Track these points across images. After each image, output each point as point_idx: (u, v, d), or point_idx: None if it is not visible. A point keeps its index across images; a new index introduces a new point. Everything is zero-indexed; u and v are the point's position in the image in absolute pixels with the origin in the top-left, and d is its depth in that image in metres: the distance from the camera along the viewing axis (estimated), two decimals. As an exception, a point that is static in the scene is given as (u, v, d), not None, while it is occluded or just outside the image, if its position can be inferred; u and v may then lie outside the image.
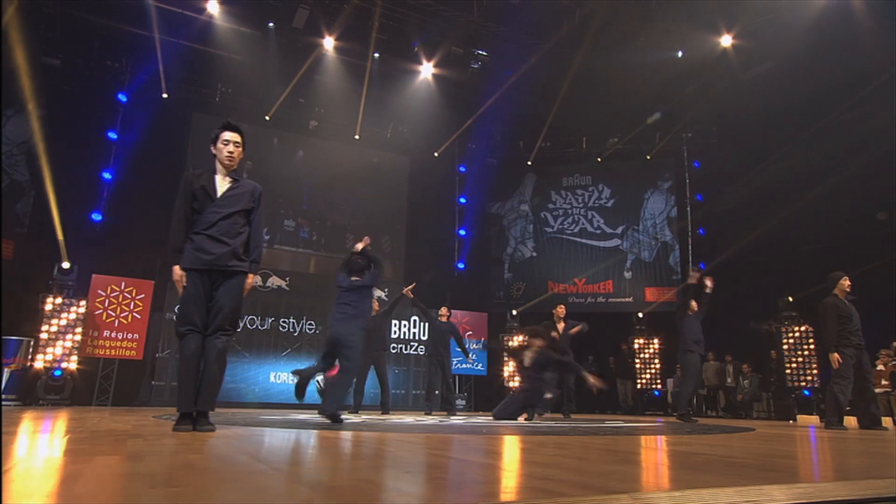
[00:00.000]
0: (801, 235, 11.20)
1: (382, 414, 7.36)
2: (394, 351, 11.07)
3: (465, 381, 11.98)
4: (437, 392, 8.38)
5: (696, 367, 7.51)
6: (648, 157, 14.26)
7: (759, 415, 11.29)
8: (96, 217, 10.78)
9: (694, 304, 7.75)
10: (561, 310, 8.53)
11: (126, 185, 10.98)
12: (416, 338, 11.30)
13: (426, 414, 7.95)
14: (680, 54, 12.57)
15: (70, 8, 10.91)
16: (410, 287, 8.08)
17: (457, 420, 6.00)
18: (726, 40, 11.84)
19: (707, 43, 12.04)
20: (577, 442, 3.22)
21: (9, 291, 8.40)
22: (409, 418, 6.41)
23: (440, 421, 5.72)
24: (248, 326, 9.92)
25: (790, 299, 10.30)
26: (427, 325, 8.99)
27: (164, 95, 11.68)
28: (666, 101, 13.21)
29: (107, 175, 11.03)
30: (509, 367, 11.61)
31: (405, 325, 11.28)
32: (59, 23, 11.12)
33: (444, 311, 8.45)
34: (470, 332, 11.94)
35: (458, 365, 11.54)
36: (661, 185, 14.32)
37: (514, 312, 12.60)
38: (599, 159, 14.58)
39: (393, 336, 11.13)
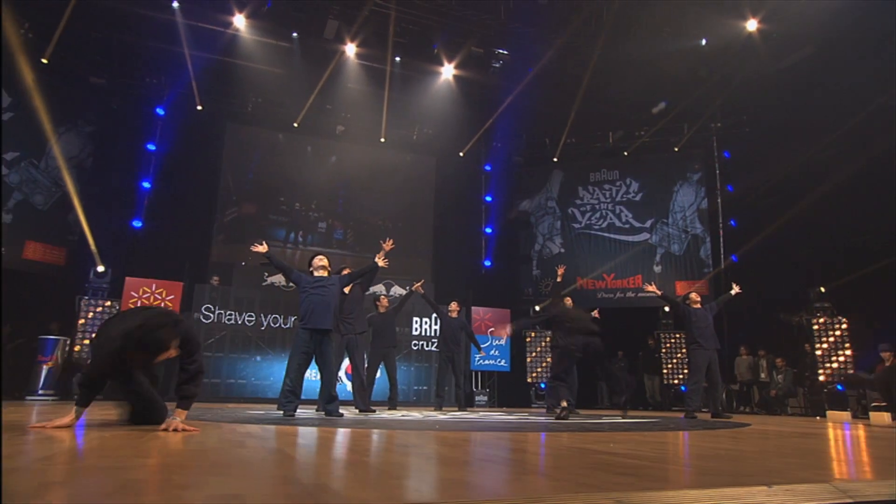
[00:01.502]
0: (837, 225, 10.43)
1: (390, 409, 7.28)
2: (415, 348, 11.01)
3: (488, 377, 11.78)
4: (447, 388, 8.24)
5: (698, 363, 7.02)
6: (676, 149, 13.67)
7: (795, 411, 10.59)
8: (136, 224, 11.21)
9: (695, 295, 7.31)
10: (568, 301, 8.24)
11: (162, 192, 11.40)
12: (438, 334, 11.18)
13: (436, 409, 7.82)
14: (703, 42, 11.96)
15: (113, 31, 11.39)
16: (420, 283, 7.98)
17: (444, 416, 5.85)
18: (752, 25, 11.18)
19: (731, 29, 11.42)
20: (475, 438, 3.05)
21: (50, 294, 8.84)
22: (398, 414, 6.31)
23: (424, 416, 5.60)
24: (272, 325, 10.07)
25: (822, 290, 9.59)
26: (439, 321, 8.83)
27: (199, 108, 12.04)
28: (692, 90, 12.59)
29: (146, 184, 11.45)
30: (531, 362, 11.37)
31: (426, 322, 11.19)
32: (104, 45, 11.66)
33: (454, 306, 8.31)
34: (492, 329, 11.73)
35: (482, 361, 11.39)
36: (690, 177, 13.69)
37: (538, 308, 12.29)
38: (626, 153, 14.08)
39: (415, 333, 11.07)
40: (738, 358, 11.69)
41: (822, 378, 9.17)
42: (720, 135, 13.36)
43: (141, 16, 10.96)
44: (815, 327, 9.44)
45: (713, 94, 12.57)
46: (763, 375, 11.26)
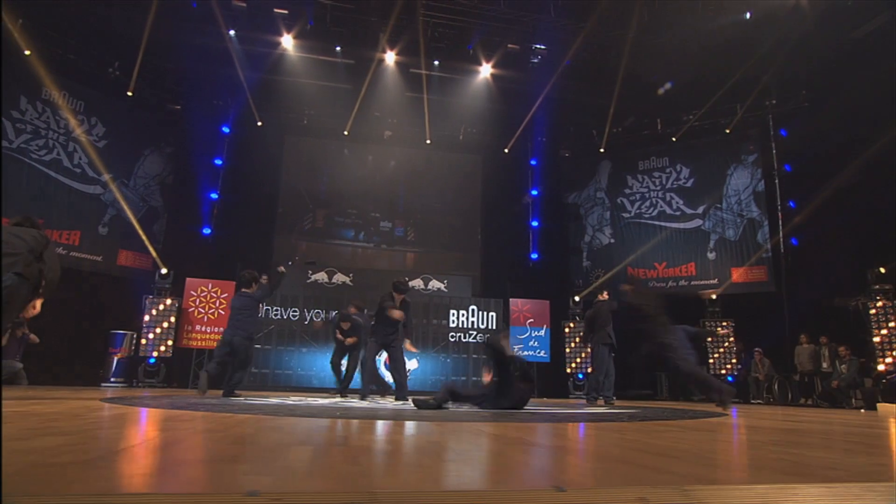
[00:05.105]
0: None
1: (397, 399, 7.25)
2: (452, 339, 10.93)
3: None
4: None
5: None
6: (728, 131, 12.55)
7: (860, 403, 9.34)
8: (206, 231, 12.04)
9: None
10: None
11: (227, 202, 12.15)
12: (476, 326, 11.03)
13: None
14: (748, 16, 10.89)
15: (181, 62, 12.30)
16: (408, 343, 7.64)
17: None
18: (799, -8, 10.03)
19: (776, -1, 10.31)
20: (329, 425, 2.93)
21: (123, 294, 9.71)
22: (389, 403, 6.28)
23: (385, 403, 5.53)
24: (315, 319, 10.41)
25: (882, 271, 8.38)
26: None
27: (258, 123, 12.71)
28: (739, 68, 11.48)
29: (213, 195, 12.26)
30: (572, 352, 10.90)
31: (463, 315, 11.08)
32: (176, 75, 12.64)
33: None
34: (531, 320, 11.40)
35: (522, 352, 11.08)
36: (744, 159, 12.52)
37: (577, 298, 11.76)
38: (674, 139, 13.13)
39: (451, 325, 10.98)
40: (798, 347, 10.54)
41: (881, 367, 8.01)
42: (776, 113, 12.09)
43: (203, 46, 11.74)
44: (873, 311, 8.26)
45: (763, 71, 11.40)
46: (825, 365, 10.05)
